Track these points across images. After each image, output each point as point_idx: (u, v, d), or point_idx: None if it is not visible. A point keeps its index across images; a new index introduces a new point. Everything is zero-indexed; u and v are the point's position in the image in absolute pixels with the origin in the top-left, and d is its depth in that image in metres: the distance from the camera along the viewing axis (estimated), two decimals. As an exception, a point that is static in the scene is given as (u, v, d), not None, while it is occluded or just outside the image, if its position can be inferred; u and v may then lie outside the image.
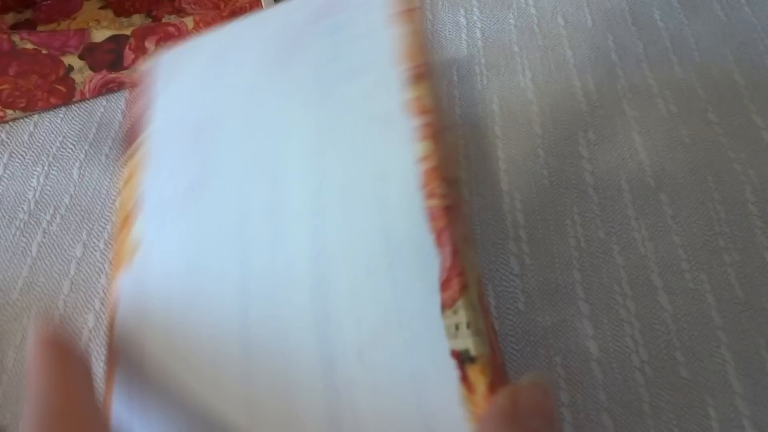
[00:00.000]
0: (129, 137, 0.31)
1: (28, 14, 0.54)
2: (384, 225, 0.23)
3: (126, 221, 0.29)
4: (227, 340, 0.24)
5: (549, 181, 0.41)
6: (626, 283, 0.37)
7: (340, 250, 0.23)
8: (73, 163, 0.46)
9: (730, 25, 0.49)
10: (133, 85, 0.34)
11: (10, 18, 0.53)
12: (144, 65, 0.34)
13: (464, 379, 0.20)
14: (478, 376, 0.20)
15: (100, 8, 0.54)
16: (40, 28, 0.53)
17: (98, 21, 0.53)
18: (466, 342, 0.20)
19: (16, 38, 0.45)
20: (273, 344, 0.23)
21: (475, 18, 0.51)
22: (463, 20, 0.51)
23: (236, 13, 0.49)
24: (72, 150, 0.47)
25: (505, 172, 0.42)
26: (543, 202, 0.40)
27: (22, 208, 0.44)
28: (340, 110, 0.27)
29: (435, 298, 0.21)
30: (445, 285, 0.21)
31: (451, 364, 0.20)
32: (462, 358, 0.20)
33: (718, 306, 0.36)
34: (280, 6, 0.34)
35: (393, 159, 0.25)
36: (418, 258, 0.22)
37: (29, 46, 0.46)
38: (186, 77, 0.32)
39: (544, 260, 0.38)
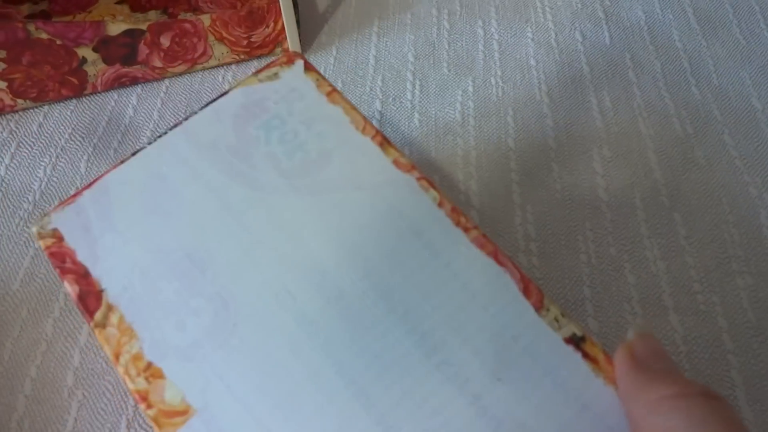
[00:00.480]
0: (86, 304, 0.28)
1: (43, 6, 0.54)
2: (448, 265, 0.27)
3: (152, 381, 0.27)
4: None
5: (562, 196, 0.41)
6: (636, 302, 0.36)
7: (422, 305, 0.26)
8: (81, 155, 0.46)
9: (749, 49, 0.49)
10: (52, 250, 0.30)
11: (25, 9, 0.53)
12: (47, 222, 0.31)
13: (585, 356, 0.24)
14: (593, 349, 0.24)
15: (117, 3, 0.54)
16: (55, 20, 0.53)
17: (114, 15, 0.53)
18: (571, 328, 0.24)
19: (31, 27, 0.45)
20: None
21: (492, 30, 0.51)
22: (480, 31, 0.51)
23: (253, 12, 0.48)
24: (80, 143, 0.46)
25: (517, 185, 0.41)
26: (555, 217, 0.40)
27: (27, 199, 0.44)
28: (335, 194, 0.30)
29: (525, 305, 0.25)
30: (527, 293, 0.26)
31: (570, 350, 0.24)
32: (575, 341, 0.24)
33: (730, 329, 0.35)
34: (191, 121, 0.33)
35: (418, 211, 0.28)
36: (491, 282, 0.26)
37: (44, 35, 0.46)
38: (126, 219, 0.30)
39: (554, 275, 0.37)
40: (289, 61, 0.35)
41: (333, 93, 0.33)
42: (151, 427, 0.33)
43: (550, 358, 0.24)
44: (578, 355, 0.24)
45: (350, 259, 0.28)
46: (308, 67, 0.34)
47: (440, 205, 0.28)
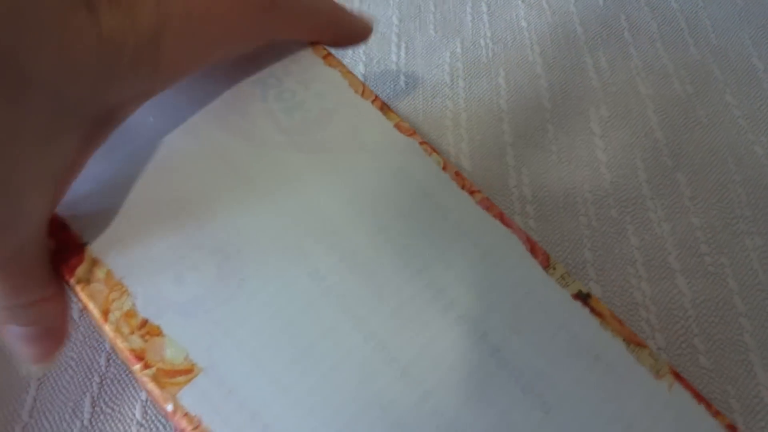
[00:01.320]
0: (64, 259, 0.25)
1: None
2: (457, 225, 0.27)
3: (148, 339, 0.24)
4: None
5: (558, 157, 0.38)
6: (641, 265, 0.34)
7: (437, 262, 0.26)
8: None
9: (747, 10, 0.47)
10: None
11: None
12: None
13: (593, 311, 0.25)
14: (599, 305, 0.25)
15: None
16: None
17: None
18: (577, 285, 0.25)
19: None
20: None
21: (480, -8, 0.49)
22: (468, -7, 0.48)
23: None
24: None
25: (511, 146, 0.39)
26: (552, 178, 0.37)
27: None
28: (340, 154, 0.29)
29: (533, 263, 0.26)
30: (534, 252, 0.26)
31: (578, 305, 0.25)
32: (582, 298, 0.25)
33: (741, 291, 0.33)
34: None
35: (423, 174, 0.28)
36: (499, 242, 0.26)
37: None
38: (107, 168, 0.28)
39: (553, 238, 0.35)
40: None
41: (329, 56, 0.31)
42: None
43: (561, 312, 0.25)
44: (586, 310, 0.25)
45: (362, 216, 0.27)
46: None
47: (444, 168, 0.28)
